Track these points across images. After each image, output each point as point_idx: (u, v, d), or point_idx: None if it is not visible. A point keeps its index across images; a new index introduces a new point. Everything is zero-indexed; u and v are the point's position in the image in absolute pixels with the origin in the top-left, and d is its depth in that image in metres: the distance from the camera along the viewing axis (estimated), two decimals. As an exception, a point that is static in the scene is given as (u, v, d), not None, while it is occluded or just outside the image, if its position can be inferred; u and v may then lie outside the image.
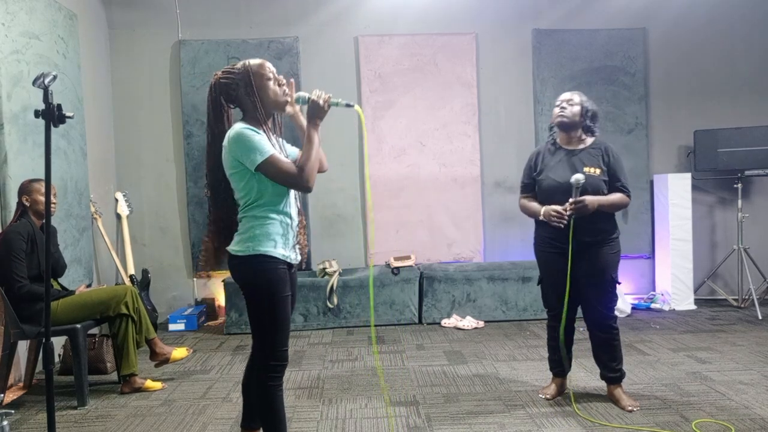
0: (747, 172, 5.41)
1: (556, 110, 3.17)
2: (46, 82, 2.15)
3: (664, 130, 5.78)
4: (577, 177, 2.95)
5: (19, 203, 3.47)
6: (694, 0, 5.69)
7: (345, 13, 5.57)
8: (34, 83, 2.17)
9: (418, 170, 5.63)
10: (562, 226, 2.99)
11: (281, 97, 2.26)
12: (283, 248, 2.22)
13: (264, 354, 2.24)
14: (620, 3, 5.67)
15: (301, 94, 2.28)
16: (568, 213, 2.98)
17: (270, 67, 2.27)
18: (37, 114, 2.15)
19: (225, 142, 2.18)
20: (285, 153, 2.32)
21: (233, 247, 2.22)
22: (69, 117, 2.19)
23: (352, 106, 2.31)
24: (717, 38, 5.74)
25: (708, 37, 5.74)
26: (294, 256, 2.30)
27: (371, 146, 5.57)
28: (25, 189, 3.47)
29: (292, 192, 2.28)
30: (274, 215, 2.20)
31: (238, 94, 2.24)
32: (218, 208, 2.32)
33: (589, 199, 2.96)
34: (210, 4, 5.50)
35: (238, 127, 2.16)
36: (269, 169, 2.13)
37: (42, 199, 3.43)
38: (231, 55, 5.44)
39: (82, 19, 4.86)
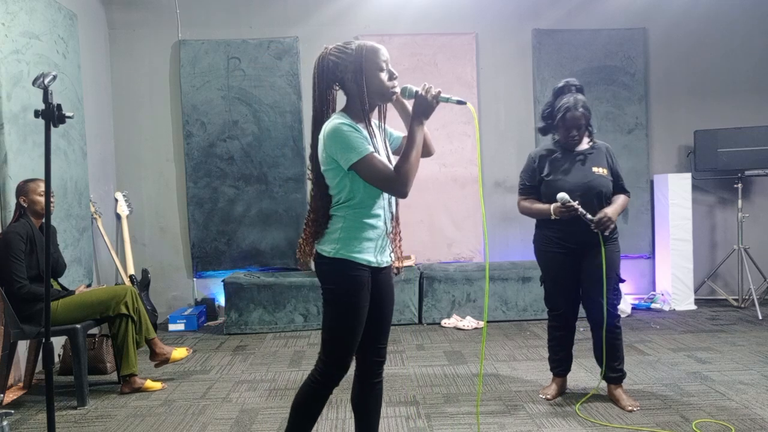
0: (747, 172, 5.41)
1: (563, 132, 3.10)
2: (46, 82, 2.15)
3: (664, 130, 5.78)
4: (562, 196, 2.95)
5: (18, 204, 3.47)
6: (694, 0, 5.69)
7: (345, 13, 5.57)
8: (34, 83, 2.17)
9: (418, 170, 5.60)
10: (576, 208, 2.94)
11: (388, 91, 2.07)
12: (369, 253, 2.09)
13: (327, 358, 2.12)
14: (620, 3, 5.67)
15: (409, 87, 2.08)
16: (596, 229, 2.97)
17: (385, 56, 2.07)
18: (37, 114, 2.15)
19: (321, 135, 2.03)
20: (387, 147, 2.17)
21: (321, 246, 2.11)
22: (69, 117, 2.19)
23: (464, 103, 2.08)
24: (717, 38, 5.74)
25: (708, 37, 5.74)
26: (382, 260, 2.16)
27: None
28: (21, 190, 3.46)
29: (386, 194, 2.12)
30: (364, 218, 2.07)
31: (345, 78, 2.06)
32: (318, 198, 2.12)
33: (610, 211, 2.98)
34: (210, 4, 5.50)
35: (336, 121, 2.00)
36: (364, 170, 1.97)
37: (39, 198, 3.43)
38: (231, 55, 5.44)
39: (82, 19, 4.86)
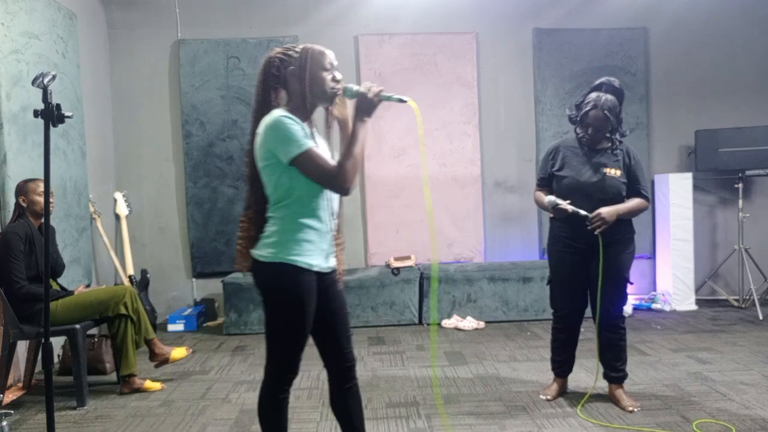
0: (748, 172, 5.40)
1: (582, 128, 3.08)
2: (45, 81, 2.14)
3: (664, 130, 5.78)
4: (550, 200, 2.99)
5: (17, 204, 3.47)
6: (695, 0, 5.68)
7: (345, 12, 5.56)
8: (33, 83, 2.17)
9: (418, 170, 5.62)
10: (565, 209, 2.95)
11: (330, 90, 2.06)
12: (310, 256, 2.03)
13: (276, 363, 2.09)
14: (621, 2, 5.66)
15: (350, 86, 2.08)
16: (590, 228, 2.96)
17: (330, 59, 2.07)
18: (36, 114, 2.14)
19: (259, 130, 2.00)
20: (328, 148, 2.15)
21: (257, 251, 2.04)
22: (68, 117, 2.18)
23: (405, 101, 2.08)
24: (718, 38, 5.73)
25: (709, 37, 5.73)
26: (324, 264, 2.10)
27: (371, 146, 5.56)
28: (21, 189, 3.46)
29: (327, 193, 2.07)
30: (304, 218, 2.01)
31: (287, 73, 2.05)
32: (254, 199, 2.09)
33: (605, 211, 2.95)
34: (210, 4, 5.49)
35: (276, 114, 1.97)
36: (305, 164, 1.94)
37: (38, 198, 3.43)
38: (231, 55, 5.44)
39: (81, 19, 4.85)
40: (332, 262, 2.15)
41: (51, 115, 2.14)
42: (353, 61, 5.57)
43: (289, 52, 2.06)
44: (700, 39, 5.73)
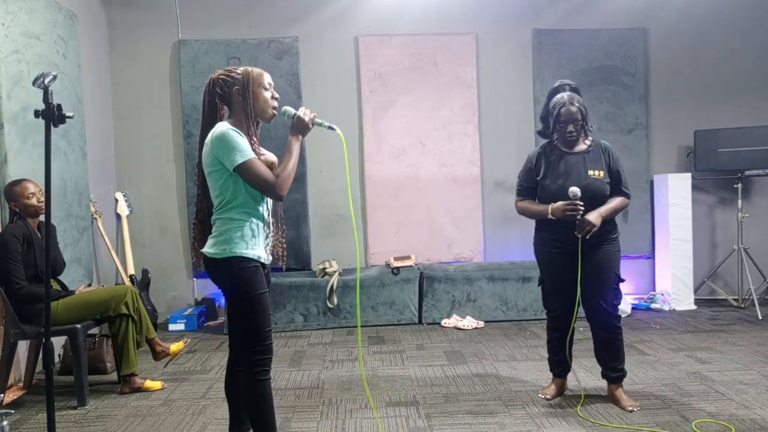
0: (747, 172, 5.41)
1: (559, 129, 3.08)
2: (46, 82, 2.15)
3: (664, 130, 5.78)
4: (574, 190, 2.93)
5: (10, 208, 3.47)
6: (695, 0, 5.69)
7: (345, 13, 5.57)
8: (34, 83, 2.17)
9: (418, 170, 5.63)
10: (578, 216, 2.94)
11: (270, 108, 2.34)
12: (255, 249, 2.28)
13: (252, 349, 2.27)
14: (621, 3, 5.67)
15: (287, 108, 2.35)
16: (578, 234, 2.97)
17: (269, 79, 2.36)
18: (37, 114, 2.15)
19: (207, 140, 2.24)
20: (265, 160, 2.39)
21: (209, 250, 2.27)
22: (69, 117, 2.19)
23: (334, 129, 2.39)
24: (717, 38, 5.74)
25: (708, 37, 5.74)
26: (266, 257, 2.35)
27: (371, 146, 5.57)
28: (9, 195, 3.45)
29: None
30: (248, 217, 2.26)
31: (231, 92, 2.30)
32: (202, 204, 2.39)
33: (592, 216, 2.95)
34: (210, 4, 5.50)
35: (224, 126, 2.21)
36: (247, 172, 2.19)
37: (28, 201, 3.43)
38: (231, 55, 5.44)
39: (82, 19, 4.86)
40: (269, 257, 2.40)
41: (52, 116, 2.15)
42: (353, 61, 5.58)
43: (232, 74, 2.32)
44: (700, 39, 5.74)
